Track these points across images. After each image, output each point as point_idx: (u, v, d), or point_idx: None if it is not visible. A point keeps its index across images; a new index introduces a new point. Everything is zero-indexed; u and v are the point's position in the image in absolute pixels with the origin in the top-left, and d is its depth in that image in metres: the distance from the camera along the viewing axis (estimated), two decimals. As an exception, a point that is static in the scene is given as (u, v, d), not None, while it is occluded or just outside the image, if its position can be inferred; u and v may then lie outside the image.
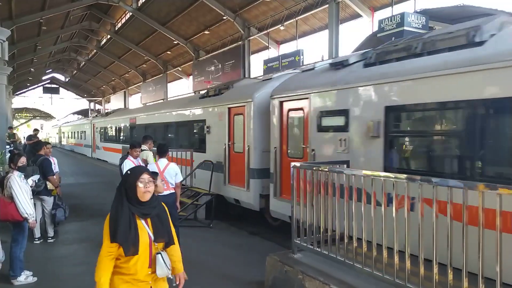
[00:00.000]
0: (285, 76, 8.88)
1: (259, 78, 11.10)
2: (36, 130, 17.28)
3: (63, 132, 48.19)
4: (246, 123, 9.10)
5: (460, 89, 4.52)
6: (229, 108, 9.91)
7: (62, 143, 48.61)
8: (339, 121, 6.34)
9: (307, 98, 7.10)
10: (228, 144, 9.88)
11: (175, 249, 3.07)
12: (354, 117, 6.02)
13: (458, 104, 4.59)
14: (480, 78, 4.32)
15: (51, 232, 7.74)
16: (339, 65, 6.72)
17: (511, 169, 4.11)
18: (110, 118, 24.59)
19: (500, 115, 4.34)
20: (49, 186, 7.48)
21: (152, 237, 2.85)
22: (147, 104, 31.89)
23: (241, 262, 6.67)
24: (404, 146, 5.55)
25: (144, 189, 2.81)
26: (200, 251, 7.21)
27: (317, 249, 4.84)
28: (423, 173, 4.84)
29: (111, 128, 23.90)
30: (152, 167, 6.66)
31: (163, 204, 3.06)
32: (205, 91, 12.85)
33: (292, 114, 7.72)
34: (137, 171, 2.91)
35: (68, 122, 48.48)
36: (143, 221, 2.85)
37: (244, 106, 9.22)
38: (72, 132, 39.93)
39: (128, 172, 2.94)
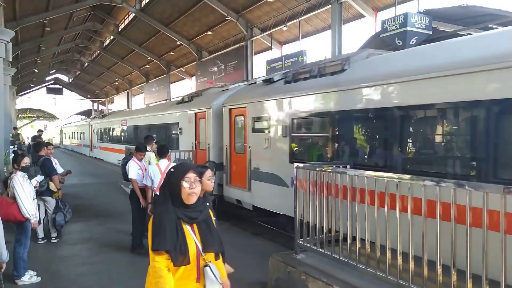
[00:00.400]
0: (237, 88, 11.10)
1: (224, 86, 13.14)
2: (40, 131, 17.35)
3: (64, 133, 50.41)
4: (207, 125, 11.11)
5: (326, 103, 6.81)
6: (195, 113, 11.99)
7: (64, 143, 50.16)
8: (261, 125, 8.63)
9: (245, 107, 9.18)
10: (195, 143, 11.89)
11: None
12: (274, 122, 8.18)
13: (327, 114, 6.82)
14: (336, 96, 6.59)
15: (54, 233, 7.77)
16: (274, 81, 8.67)
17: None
18: (105, 120, 27.08)
19: (353, 122, 6.54)
20: (51, 187, 7.48)
21: (200, 247, 2.47)
22: (147, 106, 33.33)
23: (243, 263, 6.66)
24: (299, 142, 7.75)
25: (190, 190, 2.43)
26: (203, 252, 7.21)
27: (320, 249, 4.83)
28: (309, 160, 7.11)
29: (106, 129, 26.27)
30: (153, 168, 6.68)
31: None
32: (181, 97, 14.96)
33: (237, 119, 9.71)
34: (181, 169, 2.51)
35: (68, 123, 50.05)
36: (188, 227, 2.47)
37: (205, 112, 11.28)
38: (72, 132, 42.64)
39: (172, 170, 2.56)
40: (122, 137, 22.87)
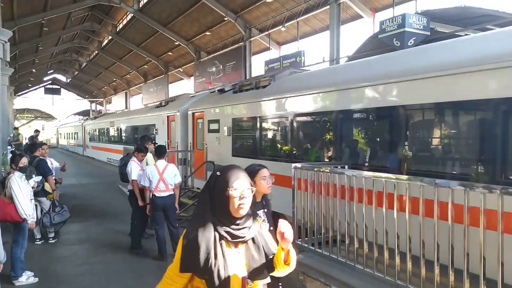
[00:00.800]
0: (201, 95, 13.56)
1: (194, 94, 15.94)
2: (37, 131, 17.25)
3: (60, 133, 52.49)
4: (176, 127, 13.48)
5: (255, 110, 8.85)
6: (167, 116, 14.49)
7: (60, 143, 51.83)
8: (215, 126, 10.63)
9: (203, 112, 11.38)
10: (167, 142, 14.16)
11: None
12: (223, 124, 10.17)
13: (255, 118, 8.86)
14: (260, 106, 8.67)
15: (51, 233, 7.73)
16: (227, 90, 10.80)
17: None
18: (96, 122, 29.52)
19: (271, 124, 8.62)
20: (46, 187, 7.41)
21: (246, 273, 1.95)
22: (129, 110, 35.56)
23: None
24: (238, 140, 9.68)
25: (239, 201, 1.90)
26: (201, 252, 7.20)
27: (318, 250, 4.84)
28: (243, 154, 9.29)
29: (97, 130, 28.75)
30: (151, 168, 6.66)
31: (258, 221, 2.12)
32: (159, 102, 17.47)
33: (198, 121, 11.83)
34: (230, 174, 1.96)
35: (64, 124, 51.80)
36: (233, 248, 1.95)
37: (175, 115, 13.69)
38: (67, 133, 45.26)
39: (218, 173, 2.00)
40: (110, 137, 25.04)
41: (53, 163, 8.21)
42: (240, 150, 9.53)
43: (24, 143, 16.86)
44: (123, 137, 22.20)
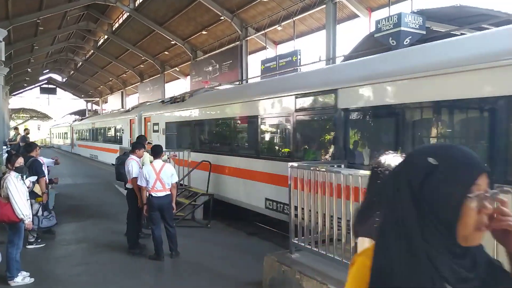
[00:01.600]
0: (153, 103, 18.33)
1: (151, 102, 20.74)
2: (26, 130, 17.05)
3: (53, 133, 56.14)
4: (135, 128, 17.99)
5: (176, 116, 13.35)
6: (130, 119, 19.40)
7: (52, 142, 54.76)
8: (156, 127, 14.74)
9: (150, 116, 15.82)
10: (129, 140, 17.64)
11: None
12: (161, 126, 14.29)
13: (177, 122, 13.24)
14: (180, 113, 13.23)
15: (31, 238, 7.36)
16: (166, 101, 15.10)
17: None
18: (82, 122, 34.51)
19: (186, 127, 12.77)
20: (36, 189, 7.02)
21: None
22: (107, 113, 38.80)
23: (239, 262, 6.68)
24: (169, 138, 13.60)
25: (481, 218, 1.06)
26: (198, 252, 7.21)
27: (315, 249, 4.85)
28: (171, 147, 12.63)
29: (82, 130, 33.55)
30: (148, 168, 6.65)
31: None
32: (128, 108, 23.16)
33: (148, 123, 16.00)
34: (466, 160, 1.09)
35: (56, 125, 55.30)
36: None
37: (134, 118, 18.61)
38: (58, 133, 50.68)
39: (431, 160, 1.08)
40: (92, 136, 29.67)
41: (44, 161, 8.02)
42: (170, 146, 12.90)
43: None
44: (101, 136, 26.87)
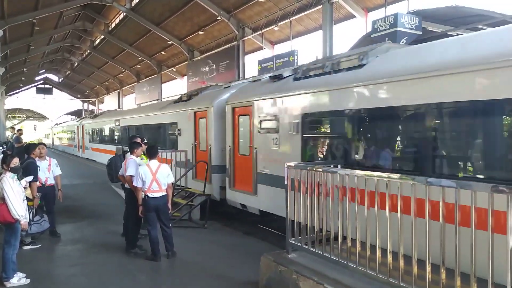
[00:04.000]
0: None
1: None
2: (19, 131, 16.91)
3: (55, 133, 56.28)
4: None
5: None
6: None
7: (54, 143, 52.95)
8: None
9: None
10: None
11: None
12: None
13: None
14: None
15: (27, 239, 7.31)
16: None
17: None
18: (60, 126, 38.55)
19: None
20: (27, 193, 6.68)
21: None
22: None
23: (235, 263, 6.67)
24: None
25: None
26: (195, 252, 7.20)
27: (312, 249, 4.85)
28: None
29: (59, 133, 37.36)
30: (144, 169, 6.62)
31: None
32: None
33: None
34: None
35: (57, 124, 54.52)
36: None
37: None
38: (44, 134, 57.89)
39: None
40: (70, 138, 32.13)
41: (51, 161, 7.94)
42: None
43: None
44: (76, 137, 28.92)
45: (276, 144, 7.71)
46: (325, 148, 6.94)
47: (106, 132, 23.68)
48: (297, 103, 7.17)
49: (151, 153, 6.85)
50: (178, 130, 12.60)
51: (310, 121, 7.02)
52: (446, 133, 4.99)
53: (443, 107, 4.75)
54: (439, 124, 4.91)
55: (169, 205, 6.91)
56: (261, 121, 8.22)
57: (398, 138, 5.74)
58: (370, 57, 6.05)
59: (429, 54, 5.23)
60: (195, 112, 11.55)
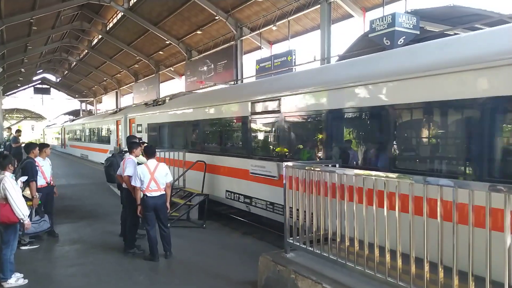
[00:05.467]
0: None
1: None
2: (18, 131, 16.82)
3: (46, 134, 57.63)
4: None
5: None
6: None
7: (47, 142, 54.65)
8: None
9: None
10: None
11: None
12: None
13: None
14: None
15: (26, 239, 7.34)
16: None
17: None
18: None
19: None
20: (26, 193, 6.80)
21: None
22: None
23: (234, 262, 6.67)
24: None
25: None
26: (193, 252, 7.20)
27: (310, 248, 4.86)
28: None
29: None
30: (142, 168, 6.61)
31: None
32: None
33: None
34: None
35: (49, 126, 56.55)
36: None
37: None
38: (51, 133, 56.10)
39: None
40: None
41: (38, 164, 7.87)
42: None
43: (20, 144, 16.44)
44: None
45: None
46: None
47: (78, 133, 33.36)
48: (145, 118, 15.41)
49: (149, 153, 6.85)
50: (110, 131, 22.37)
51: (152, 128, 14.54)
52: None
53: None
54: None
55: (168, 205, 6.90)
56: (137, 125, 16.27)
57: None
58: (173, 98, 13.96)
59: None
60: (116, 120, 21.05)
